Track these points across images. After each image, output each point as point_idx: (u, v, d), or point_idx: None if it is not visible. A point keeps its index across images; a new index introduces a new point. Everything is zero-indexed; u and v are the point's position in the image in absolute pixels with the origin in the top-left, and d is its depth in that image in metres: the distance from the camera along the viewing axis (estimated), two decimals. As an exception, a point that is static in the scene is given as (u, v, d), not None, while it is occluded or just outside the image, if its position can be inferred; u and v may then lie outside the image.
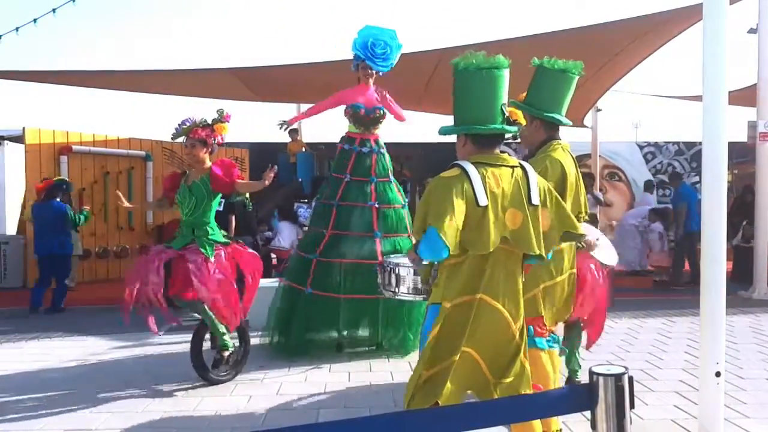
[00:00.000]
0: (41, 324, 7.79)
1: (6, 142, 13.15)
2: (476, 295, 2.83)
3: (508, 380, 2.87)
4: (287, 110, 17.27)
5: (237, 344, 5.40)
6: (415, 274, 4.44)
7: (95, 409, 4.68)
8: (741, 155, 13.31)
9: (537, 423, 3.01)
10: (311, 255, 6.18)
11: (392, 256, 5.62)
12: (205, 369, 5.19)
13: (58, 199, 9.03)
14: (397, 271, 4.83)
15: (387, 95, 6.48)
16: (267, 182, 5.32)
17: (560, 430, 3.85)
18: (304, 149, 14.64)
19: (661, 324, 7.43)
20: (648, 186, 13.82)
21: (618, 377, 1.87)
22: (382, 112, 6.46)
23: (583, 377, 4.80)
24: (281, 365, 5.78)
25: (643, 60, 11.11)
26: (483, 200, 2.77)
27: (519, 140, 4.18)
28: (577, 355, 4.91)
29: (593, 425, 1.90)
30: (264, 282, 7.98)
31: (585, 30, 9.47)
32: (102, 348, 6.57)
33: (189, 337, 5.32)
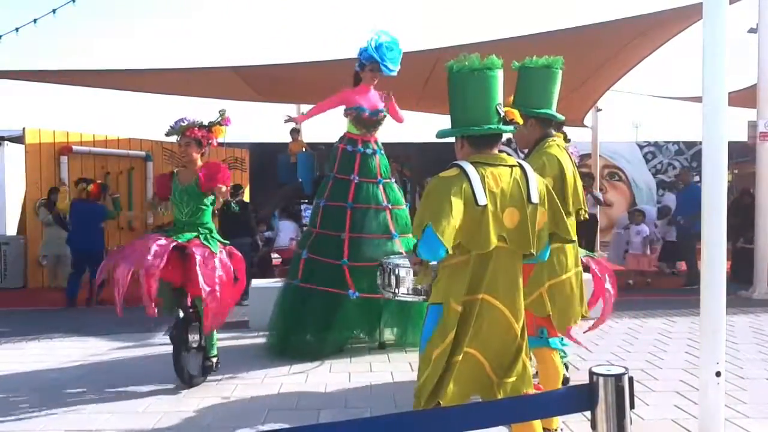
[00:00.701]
0: (41, 324, 7.79)
1: (6, 142, 13.17)
2: (478, 294, 2.84)
3: (511, 380, 2.88)
4: (288, 110, 17.28)
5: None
6: (415, 274, 4.45)
7: (96, 409, 4.68)
8: (741, 155, 13.31)
9: (537, 423, 3.02)
10: (341, 260, 6.07)
11: (392, 256, 5.62)
12: (189, 374, 5.13)
13: (98, 201, 9.57)
14: (397, 272, 4.83)
15: (393, 98, 6.52)
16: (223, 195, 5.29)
17: (560, 429, 3.87)
18: (304, 149, 14.64)
19: (661, 324, 7.43)
20: (663, 214, 13.05)
21: (618, 377, 1.87)
22: (383, 114, 6.50)
23: (583, 377, 4.80)
24: (282, 365, 5.78)
25: (643, 60, 11.11)
26: (482, 200, 2.77)
27: (513, 141, 4.20)
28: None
29: (593, 425, 1.90)
30: (264, 282, 8.02)
31: (585, 29, 9.48)
32: (102, 348, 6.58)
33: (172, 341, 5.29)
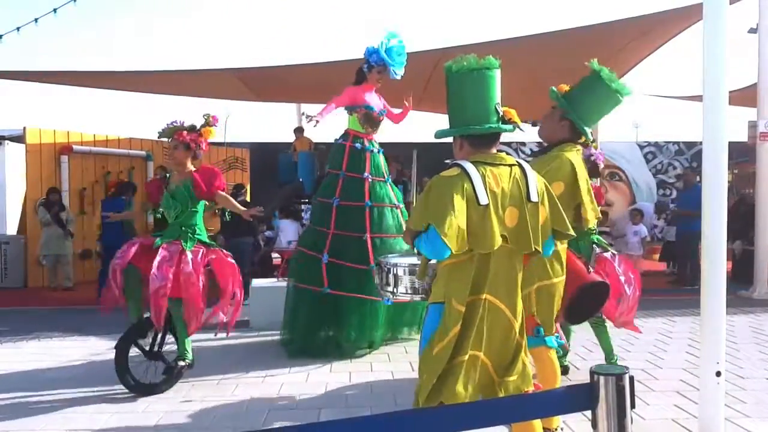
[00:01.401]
0: (41, 324, 7.79)
1: (7, 141, 13.19)
2: (482, 295, 2.84)
3: (512, 379, 2.88)
4: (288, 110, 17.31)
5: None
6: (411, 273, 4.45)
7: (96, 408, 4.68)
8: (741, 155, 13.30)
9: (537, 422, 3.02)
10: (368, 265, 5.98)
11: (389, 256, 5.61)
12: (130, 374, 4.93)
13: (124, 197, 9.78)
14: (395, 272, 4.83)
15: (409, 103, 6.64)
16: (246, 216, 5.42)
17: (560, 429, 3.87)
18: (311, 147, 14.64)
19: (661, 324, 7.43)
20: (660, 209, 12.95)
21: (619, 377, 1.87)
22: (384, 115, 6.57)
23: (583, 377, 4.80)
24: (282, 365, 5.78)
25: (644, 59, 11.11)
26: (484, 199, 2.78)
27: (536, 126, 4.18)
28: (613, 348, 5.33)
29: (594, 425, 1.90)
30: (264, 282, 8.03)
31: (585, 29, 9.46)
32: (103, 348, 6.57)
33: (190, 337, 5.31)
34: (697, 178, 13.11)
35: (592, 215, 3.87)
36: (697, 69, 3.61)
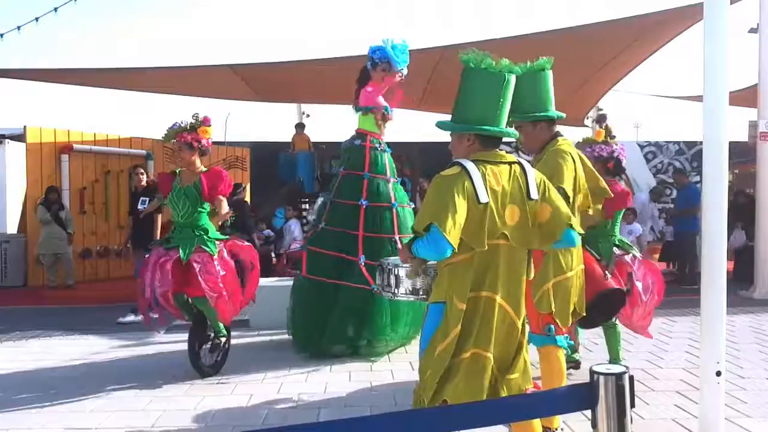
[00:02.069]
0: (42, 322, 7.80)
1: (7, 140, 13.19)
2: (482, 292, 2.84)
3: (513, 377, 2.89)
4: (288, 110, 17.30)
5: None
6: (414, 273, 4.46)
7: (96, 407, 4.68)
8: (742, 155, 13.31)
9: (537, 422, 3.02)
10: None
11: (390, 257, 5.60)
12: (204, 367, 5.39)
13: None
14: (396, 272, 4.82)
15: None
16: (215, 223, 5.49)
17: (560, 429, 3.87)
18: (309, 145, 14.66)
19: (661, 323, 7.43)
20: (656, 194, 12.92)
21: (619, 376, 1.87)
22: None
23: (583, 376, 4.80)
24: (281, 365, 5.78)
25: (644, 60, 11.11)
26: (484, 197, 2.78)
27: (520, 147, 4.21)
28: (620, 347, 5.24)
29: (594, 424, 1.90)
30: (264, 281, 8.02)
31: (586, 29, 9.48)
32: (103, 347, 6.58)
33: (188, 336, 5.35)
34: (697, 177, 13.18)
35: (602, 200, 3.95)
36: (698, 69, 3.61)
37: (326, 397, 4.91)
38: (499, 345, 2.89)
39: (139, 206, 7.99)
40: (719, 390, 3.52)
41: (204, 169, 5.39)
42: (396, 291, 4.87)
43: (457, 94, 3.00)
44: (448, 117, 3.08)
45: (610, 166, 4.95)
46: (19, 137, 12.10)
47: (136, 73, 11.88)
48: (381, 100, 6.37)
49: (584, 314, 3.87)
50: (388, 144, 6.63)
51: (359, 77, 6.47)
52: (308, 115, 16.95)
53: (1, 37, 10.48)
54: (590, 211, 4.04)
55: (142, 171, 8.51)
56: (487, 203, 2.78)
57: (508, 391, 2.85)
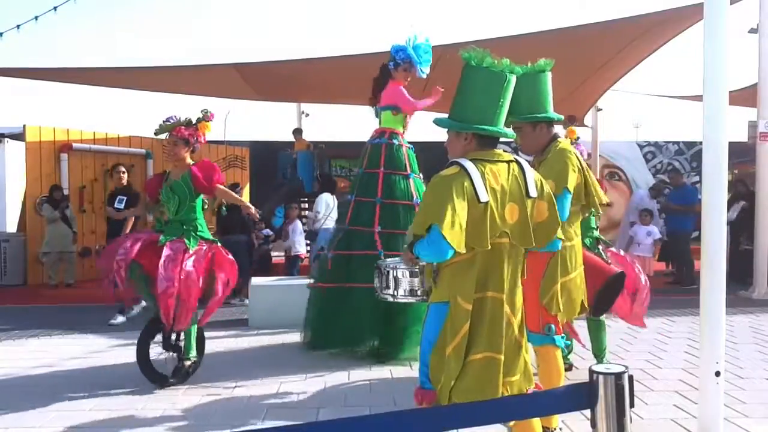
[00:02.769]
0: (41, 321, 7.79)
1: (6, 139, 13.18)
2: (487, 293, 2.84)
3: (515, 378, 2.89)
4: (288, 109, 17.32)
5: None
6: (411, 276, 4.45)
7: (95, 406, 4.68)
8: (741, 155, 13.31)
9: (537, 421, 3.02)
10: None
11: (388, 258, 5.58)
12: (155, 371, 5.11)
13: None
14: (395, 274, 4.82)
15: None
16: (245, 210, 5.47)
17: (559, 429, 3.87)
18: (309, 148, 14.66)
19: (661, 324, 7.43)
20: (655, 190, 12.83)
21: (618, 376, 1.87)
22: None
23: (583, 376, 4.80)
24: (280, 364, 5.78)
25: (644, 59, 11.12)
26: (484, 197, 2.77)
27: (518, 149, 4.19)
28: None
29: (593, 424, 1.90)
30: (263, 280, 8.03)
31: (586, 29, 9.48)
32: (102, 345, 6.58)
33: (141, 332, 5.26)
34: (696, 177, 13.16)
35: (602, 195, 3.94)
36: (698, 69, 3.62)
37: (325, 396, 4.91)
38: (505, 345, 2.89)
39: (116, 205, 7.89)
40: (718, 390, 3.52)
41: (192, 162, 5.27)
42: (395, 293, 4.87)
43: (456, 91, 2.99)
44: (446, 115, 3.07)
45: None
46: (19, 136, 12.09)
47: (136, 71, 11.87)
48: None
49: (588, 308, 3.91)
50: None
51: (379, 75, 6.36)
52: (307, 115, 16.95)
53: (1, 35, 10.48)
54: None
55: (123, 170, 8.29)
56: (487, 202, 2.78)
57: (511, 393, 2.85)
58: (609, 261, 4.62)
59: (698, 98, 4.83)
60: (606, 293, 4.09)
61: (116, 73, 12.02)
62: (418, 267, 3.35)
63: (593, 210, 4.64)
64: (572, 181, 3.58)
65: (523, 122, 3.83)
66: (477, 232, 2.77)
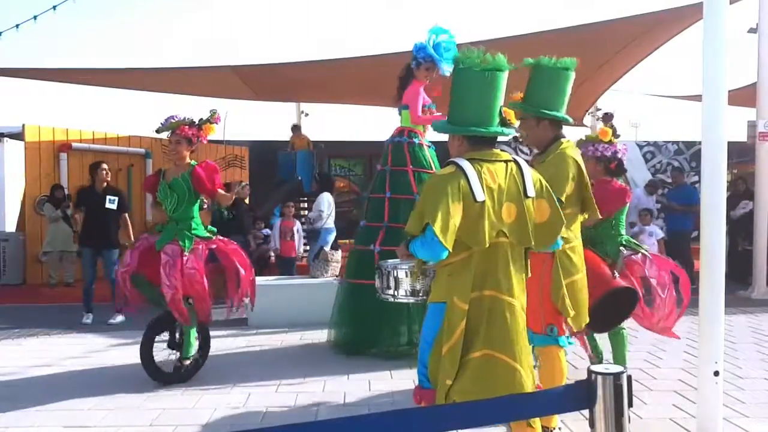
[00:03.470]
0: (40, 320, 7.79)
1: (6, 139, 13.16)
2: (484, 291, 2.84)
3: (527, 378, 2.89)
4: (287, 109, 17.31)
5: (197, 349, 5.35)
6: (412, 275, 4.44)
7: (94, 405, 4.68)
8: (741, 155, 13.31)
9: (537, 421, 3.02)
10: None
11: (390, 260, 5.56)
12: (158, 369, 5.16)
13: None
14: (395, 274, 4.81)
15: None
16: (227, 200, 5.46)
17: (558, 428, 3.87)
18: (309, 145, 14.65)
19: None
20: (652, 187, 12.86)
21: (617, 376, 1.87)
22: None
23: (582, 376, 4.79)
24: (279, 363, 5.79)
25: (643, 59, 11.11)
26: (480, 196, 2.78)
27: (521, 140, 4.15)
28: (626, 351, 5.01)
29: (592, 424, 1.90)
30: (263, 280, 8.03)
31: (584, 29, 9.48)
32: (101, 345, 6.58)
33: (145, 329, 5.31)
34: (695, 177, 13.13)
35: (595, 209, 3.88)
36: (697, 68, 3.61)
37: (324, 396, 4.91)
38: (509, 343, 2.86)
39: (108, 205, 7.85)
40: (717, 390, 3.52)
41: (193, 162, 5.28)
42: (396, 293, 4.87)
43: (450, 94, 3.02)
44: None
45: (612, 166, 4.78)
46: (18, 135, 12.08)
47: (135, 72, 11.87)
48: (425, 96, 6.22)
49: (589, 316, 3.85)
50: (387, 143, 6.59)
51: (402, 75, 6.29)
52: (307, 114, 16.94)
53: (0, 35, 10.47)
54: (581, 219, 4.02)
55: (106, 168, 8.18)
56: (484, 201, 2.78)
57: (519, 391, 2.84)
58: (617, 270, 4.41)
59: (697, 98, 4.82)
60: (605, 308, 3.98)
61: (115, 74, 12.01)
62: (418, 267, 3.34)
63: (618, 216, 4.57)
64: (563, 188, 3.53)
65: (528, 115, 3.81)
66: (474, 231, 2.78)
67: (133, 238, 7.80)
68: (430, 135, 6.43)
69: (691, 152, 17.00)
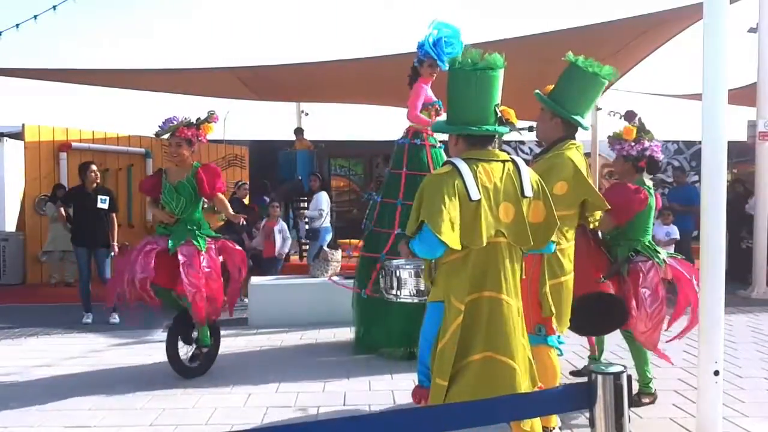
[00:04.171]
0: (41, 320, 7.79)
1: (6, 138, 13.16)
2: (483, 292, 2.84)
3: (525, 380, 2.88)
4: (288, 109, 17.30)
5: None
6: (416, 276, 4.43)
7: (94, 405, 4.68)
8: (741, 154, 13.31)
9: (537, 421, 3.02)
10: None
11: (394, 260, 5.56)
12: (183, 365, 5.33)
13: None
14: (398, 274, 4.82)
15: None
16: (233, 220, 5.63)
17: (558, 428, 3.87)
18: (310, 149, 14.68)
19: (660, 323, 7.42)
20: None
21: (617, 376, 1.87)
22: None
23: (582, 376, 4.79)
24: (280, 363, 5.79)
25: (644, 59, 11.10)
26: (475, 195, 2.79)
27: (533, 131, 4.07)
28: (647, 368, 4.65)
29: (592, 423, 1.90)
30: (263, 279, 8.03)
31: (585, 29, 9.46)
32: (101, 344, 6.58)
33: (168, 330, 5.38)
34: (695, 177, 13.13)
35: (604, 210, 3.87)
36: (697, 68, 3.61)
37: (325, 396, 4.91)
38: (510, 344, 2.86)
39: (99, 204, 7.81)
40: (717, 389, 3.53)
41: (196, 163, 5.33)
42: (399, 293, 4.86)
43: (447, 95, 3.04)
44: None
45: (641, 164, 4.57)
46: (18, 135, 12.08)
47: (135, 72, 11.86)
48: (431, 94, 6.11)
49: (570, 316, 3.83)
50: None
51: (410, 74, 6.17)
52: (307, 114, 16.94)
53: (0, 35, 10.46)
54: (591, 224, 4.01)
55: (95, 169, 8.13)
56: (479, 200, 2.79)
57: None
58: (608, 275, 4.26)
59: (697, 97, 4.81)
60: (583, 311, 3.91)
61: (115, 74, 12.00)
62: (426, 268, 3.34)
63: (636, 220, 4.48)
64: (550, 186, 3.50)
65: (547, 106, 3.81)
66: (470, 230, 2.79)
67: (116, 240, 7.91)
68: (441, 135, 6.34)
69: (691, 152, 17.01)
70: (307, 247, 11.33)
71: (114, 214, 8.02)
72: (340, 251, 8.49)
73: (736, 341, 6.48)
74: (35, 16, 10.35)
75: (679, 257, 4.76)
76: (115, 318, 7.69)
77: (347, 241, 11.83)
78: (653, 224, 4.72)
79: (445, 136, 3.36)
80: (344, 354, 6.06)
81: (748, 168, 12.39)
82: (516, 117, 3.10)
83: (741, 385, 5.02)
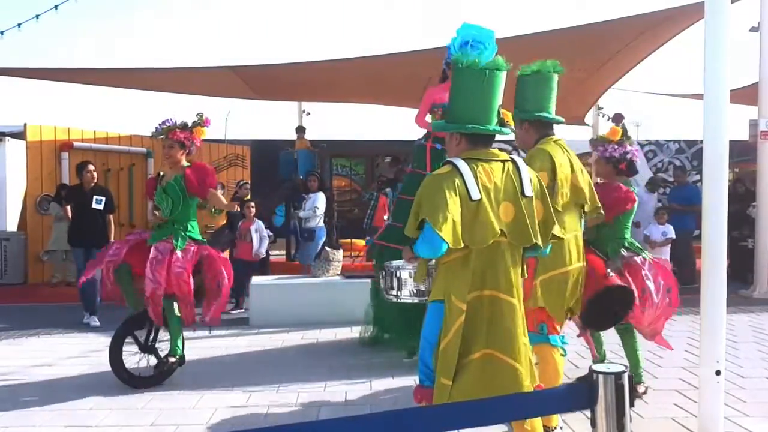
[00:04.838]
0: (42, 320, 7.79)
1: (7, 138, 13.15)
2: (484, 291, 2.84)
3: (526, 380, 2.88)
4: (289, 108, 17.31)
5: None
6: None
7: (95, 405, 4.68)
8: (742, 154, 13.29)
9: (538, 420, 3.02)
10: None
11: (395, 261, 5.55)
12: (130, 373, 5.07)
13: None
14: (398, 275, 4.82)
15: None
16: (230, 209, 5.64)
17: (560, 427, 3.87)
18: (309, 148, 14.67)
19: (661, 322, 7.41)
20: (652, 185, 12.85)
21: (618, 375, 1.87)
22: None
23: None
24: (280, 363, 5.79)
25: (645, 58, 11.10)
26: (475, 194, 2.79)
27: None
28: (639, 370, 4.78)
29: (593, 423, 1.89)
30: (264, 279, 8.03)
31: (586, 28, 9.46)
32: (102, 344, 6.56)
33: (188, 335, 5.32)
34: (697, 176, 13.10)
35: (592, 206, 3.88)
36: (698, 67, 3.61)
37: (326, 395, 4.91)
38: (510, 343, 2.86)
39: (94, 204, 7.79)
40: (719, 389, 3.52)
41: (187, 164, 5.29)
42: (399, 293, 4.86)
43: (450, 93, 3.04)
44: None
45: (622, 167, 4.72)
46: (19, 135, 12.08)
47: (136, 72, 11.87)
48: (445, 96, 6.15)
49: (578, 313, 3.86)
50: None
51: (441, 77, 6.14)
52: (308, 113, 16.94)
53: (2, 34, 10.47)
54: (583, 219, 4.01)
55: (92, 169, 8.09)
56: (480, 200, 2.79)
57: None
58: (613, 269, 4.33)
59: (699, 97, 4.80)
60: (597, 306, 3.96)
61: (117, 73, 12.02)
62: (421, 268, 3.34)
63: (621, 220, 4.55)
64: (542, 177, 3.55)
65: (515, 119, 3.89)
66: (471, 230, 2.79)
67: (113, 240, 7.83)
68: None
69: (692, 151, 16.98)
70: (298, 247, 11.20)
71: (110, 215, 8.01)
72: (341, 251, 8.48)
73: (737, 341, 6.47)
74: (37, 16, 10.37)
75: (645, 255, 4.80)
76: (96, 321, 7.52)
77: (349, 241, 11.83)
78: (650, 224, 4.83)
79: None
80: (345, 354, 6.06)
81: (749, 167, 12.38)
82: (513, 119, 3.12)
83: (742, 384, 5.02)
